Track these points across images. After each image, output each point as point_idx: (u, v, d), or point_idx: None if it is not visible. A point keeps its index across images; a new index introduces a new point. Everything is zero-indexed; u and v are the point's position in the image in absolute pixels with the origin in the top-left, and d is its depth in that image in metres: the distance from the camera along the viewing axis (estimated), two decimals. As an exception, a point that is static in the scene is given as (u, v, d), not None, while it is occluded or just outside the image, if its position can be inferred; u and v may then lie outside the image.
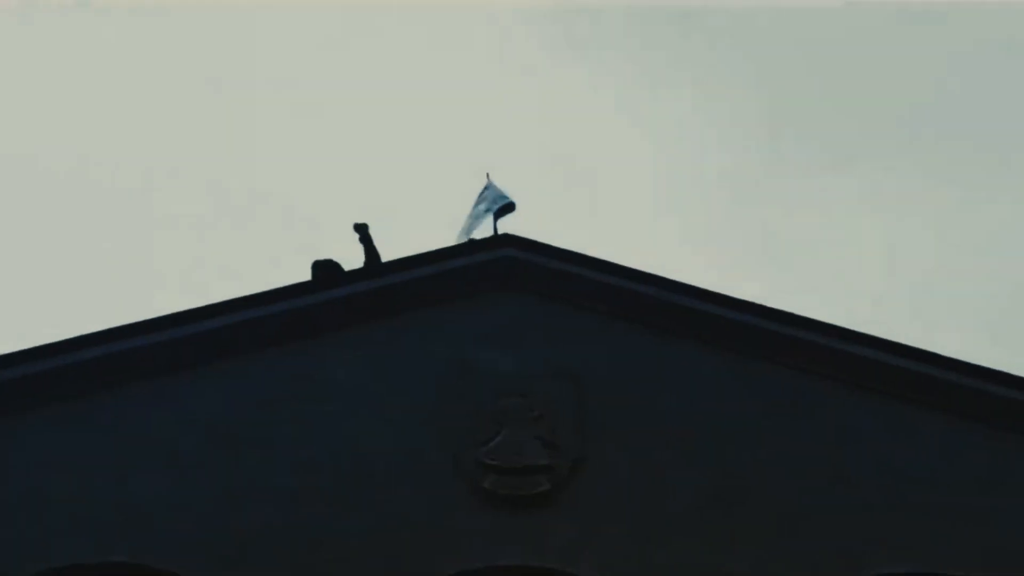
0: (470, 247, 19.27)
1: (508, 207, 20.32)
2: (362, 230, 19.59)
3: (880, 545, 17.21)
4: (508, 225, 19.92)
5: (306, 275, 19.11)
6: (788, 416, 18.05)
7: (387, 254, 19.32)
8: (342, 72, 41.48)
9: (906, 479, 17.65)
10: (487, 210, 20.23)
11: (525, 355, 18.24)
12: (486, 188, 20.90)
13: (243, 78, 42.11)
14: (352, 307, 18.50)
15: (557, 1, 38.95)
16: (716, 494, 17.45)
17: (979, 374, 18.24)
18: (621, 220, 38.28)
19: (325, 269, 18.95)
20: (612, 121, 42.06)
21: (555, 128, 41.12)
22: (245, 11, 40.21)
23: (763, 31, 40.33)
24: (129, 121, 41.16)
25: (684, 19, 39.62)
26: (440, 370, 18.09)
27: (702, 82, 41.15)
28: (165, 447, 17.40)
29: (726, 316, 18.59)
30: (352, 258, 19.52)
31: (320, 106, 41.67)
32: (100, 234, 40.22)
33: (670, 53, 41.15)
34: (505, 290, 18.81)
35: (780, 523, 17.31)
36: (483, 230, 20.22)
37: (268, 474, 17.28)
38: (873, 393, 18.22)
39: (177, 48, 40.98)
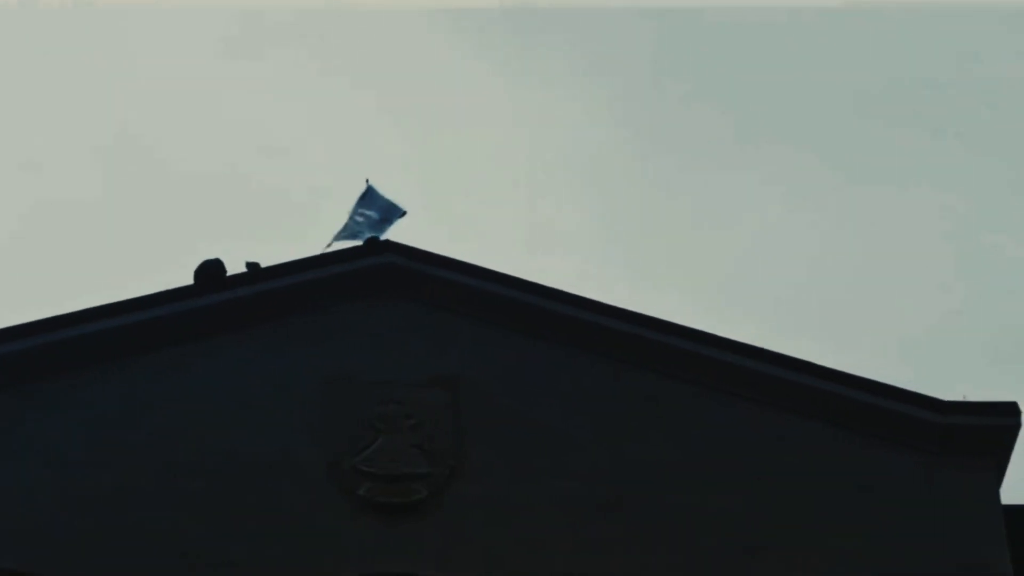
0: (350, 253, 19.26)
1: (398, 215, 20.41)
2: (253, 269, 19.11)
3: (756, 551, 17.42)
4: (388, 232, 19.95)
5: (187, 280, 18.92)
6: (664, 423, 18.21)
7: (268, 260, 19.21)
8: (232, 74, 41.16)
9: (782, 486, 17.85)
10: (381, 219, 20.25)
11: (403, 362, 18.25)
12: (366, 193, 20.90)
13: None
14: (233, 311, 18.42)
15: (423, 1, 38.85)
16: (593, 501, 17.57)
17: (853, 383, 18.48)
18: (499, 225, 38.30)
19: (209, 269, 18.76)
20: (487, 124, 42.01)
21: (430, 132, 40.99)
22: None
23: (642, 26, 40.52)
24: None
25: (557, 14, 39.69)
26: (318, 376, 18.05)
27: (580, 81, 41.25)
28: (43, 450, 17.25)
29: (602, 323, 18.71)
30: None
31: (200, 105, 41.33)
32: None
33: (549, 50, 41.21)
34: (384, 297, 18.79)
35: (657, 530, 17.47)
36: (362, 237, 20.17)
37: (143, 479, 17.18)
38: (749, 401, 18.41)
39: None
